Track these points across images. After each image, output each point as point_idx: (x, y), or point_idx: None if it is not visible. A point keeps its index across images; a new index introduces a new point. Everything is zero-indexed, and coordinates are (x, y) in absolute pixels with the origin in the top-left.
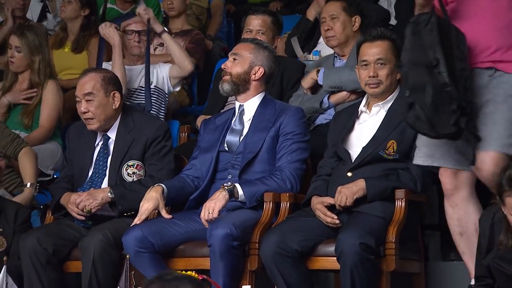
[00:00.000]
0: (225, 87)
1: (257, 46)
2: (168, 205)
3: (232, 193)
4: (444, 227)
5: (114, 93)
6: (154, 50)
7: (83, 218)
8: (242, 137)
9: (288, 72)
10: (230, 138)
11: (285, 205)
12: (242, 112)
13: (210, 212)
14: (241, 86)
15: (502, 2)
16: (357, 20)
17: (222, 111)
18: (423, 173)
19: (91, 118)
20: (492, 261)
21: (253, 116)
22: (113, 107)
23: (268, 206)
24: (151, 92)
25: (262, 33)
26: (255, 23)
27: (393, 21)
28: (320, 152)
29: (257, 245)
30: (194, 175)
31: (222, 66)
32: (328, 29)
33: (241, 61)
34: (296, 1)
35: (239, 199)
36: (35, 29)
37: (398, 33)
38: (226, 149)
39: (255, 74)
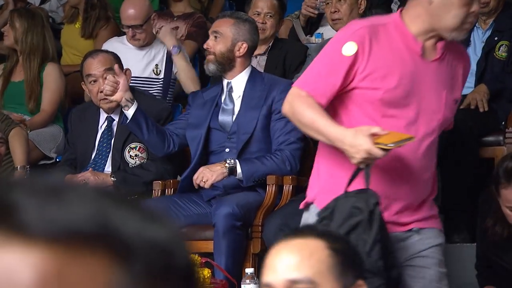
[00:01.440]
0: (210, 67)
1: (237, 21)
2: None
3: (231, 171)
4: (447, 210)
5: (126, 70)
6: (156, 33)
7: None
8: (234, 116)
9: (290, 55)
10: (223, 118)
11: (288, 188)
12: (230, 90)
13: (204, 181)
14: (226, 64)
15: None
16: (363, 2)
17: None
18: None
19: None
20: (488, 249)
21: (243, 93)
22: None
23: (271, 189)
24: (160, 83)
25: (270, 16)
26: (264, 5)
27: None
28: None
29: (260, 228)
30: (174, 131)
31: (205, 46)
32: (335, 11)
33: (222, 39)
34: None
35: (237, 177)
36: (32, 11)
37: None
38: (219, 127)
39: (239, 50)
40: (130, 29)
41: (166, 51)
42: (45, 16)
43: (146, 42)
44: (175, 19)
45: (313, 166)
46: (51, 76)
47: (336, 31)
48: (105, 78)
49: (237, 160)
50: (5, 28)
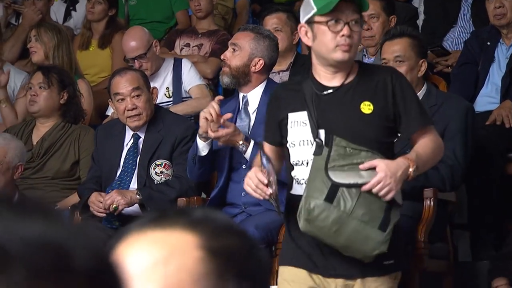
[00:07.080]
0: (224, 79)
1: (257, 36)
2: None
3: (244, 146)
4: (473, 227)
5: (153, 89)
6: (181, 50)
7: (104, 215)
8: (249, 131)
9: None
10: None
11: None
12: (246, 103)
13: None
14: (241, 78)
15: None
16: (393, 20)
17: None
18: (452, 172)
19: (138, 114)
20: None
21: (258, 107)
22: (154, 103)
23: None
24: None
25: (279, 30)
26: (271, 22)
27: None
28: None
29: None
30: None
31: (222, 57)
32: (368, 29)
33: (240, 53)
34: None
35: (244, 151)
36: (58, 27)
37: (426, 29)
38: None
39: (255, 66)
40: (136, 60)
41: (172, 71)
42: (70, 34)
43: (154, 70)
44: (199, 36)
45: None
46: (84, 93)
47: (366, 48)
48: (133, 97)
49: (251, 145)
50: (32, 43)
